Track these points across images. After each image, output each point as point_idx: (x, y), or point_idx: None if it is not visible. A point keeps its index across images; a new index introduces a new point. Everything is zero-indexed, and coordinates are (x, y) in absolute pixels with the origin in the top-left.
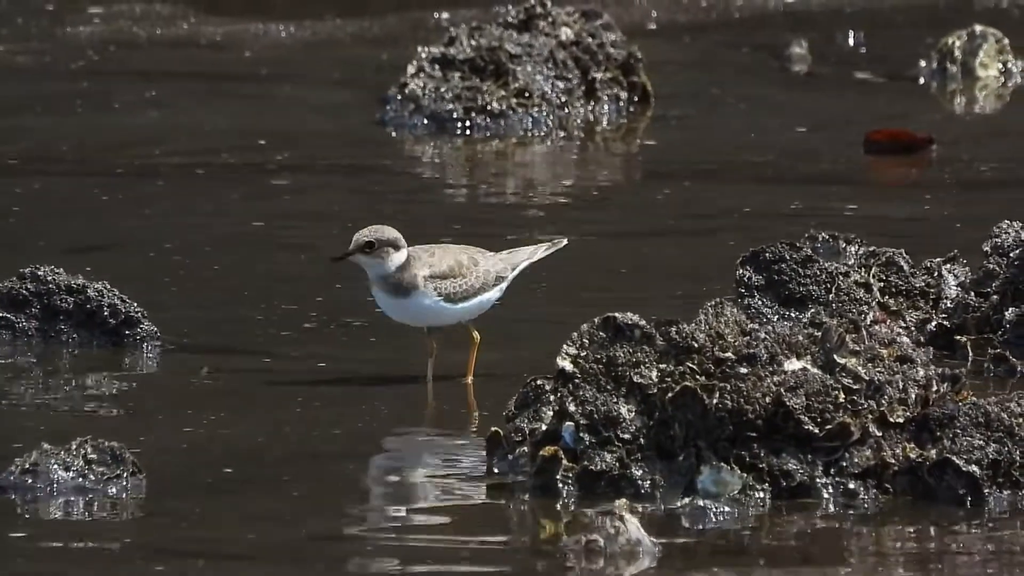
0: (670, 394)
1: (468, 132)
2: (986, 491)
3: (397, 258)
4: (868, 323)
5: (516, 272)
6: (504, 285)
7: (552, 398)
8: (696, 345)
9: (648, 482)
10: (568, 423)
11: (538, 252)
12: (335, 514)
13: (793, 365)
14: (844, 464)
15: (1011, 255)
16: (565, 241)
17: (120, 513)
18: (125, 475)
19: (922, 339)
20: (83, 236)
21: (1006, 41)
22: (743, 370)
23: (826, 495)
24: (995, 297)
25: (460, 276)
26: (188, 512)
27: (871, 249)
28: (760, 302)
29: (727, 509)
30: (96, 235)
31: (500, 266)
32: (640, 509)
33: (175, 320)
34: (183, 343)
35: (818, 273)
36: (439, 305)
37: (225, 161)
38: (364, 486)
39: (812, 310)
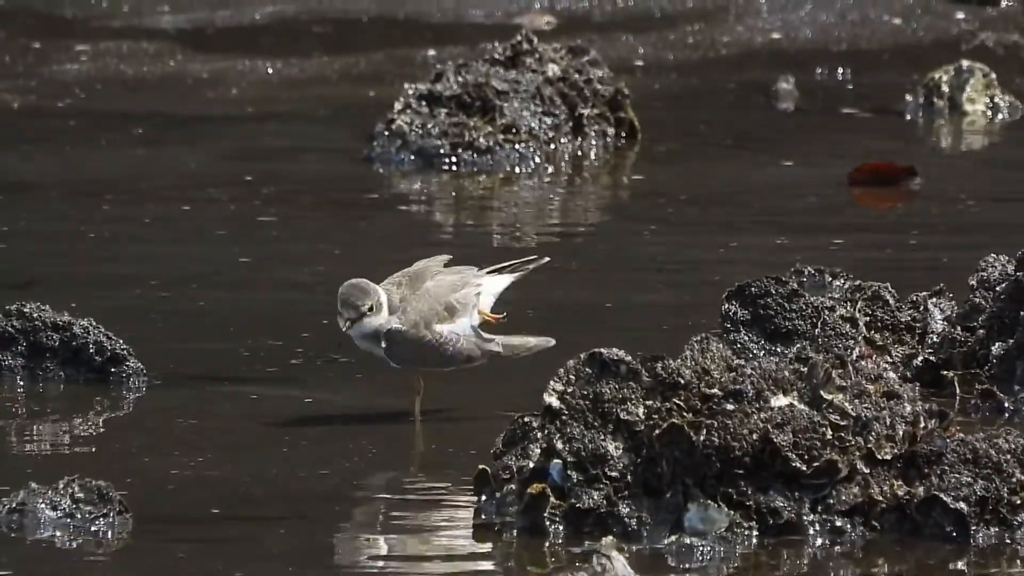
0: (657, 431)
1: (455, 168)
2: (973, 528)
3: (385, 310)
4: (854, 358)
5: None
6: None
7: (539, 435)
8: (682, 381)
9: (635, 520)
10: (556, 461)
11: (512, 273)
12: (322, 554)
13: (780, 401)
14: (831, 501)
15: (997, 289)
16: (544, 260)
17: (106, 552)
18: (112, 514)
19: (909, 374)
20: (69, 272)
21: (993, 76)
22: (730, 407)
23: (813, 532)
24: (982, 332)
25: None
26: (174, 551)
27: (857, 283)
28: (746, 337)
29: (714, 547)
30: (82, 271)
31: (474, 299)
32: (627, 547)
33: (161, 356)
34: (169, 379)
35: (804, 307)
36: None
37: (211, 197)
38: (351, 526)
39: (798, 345)
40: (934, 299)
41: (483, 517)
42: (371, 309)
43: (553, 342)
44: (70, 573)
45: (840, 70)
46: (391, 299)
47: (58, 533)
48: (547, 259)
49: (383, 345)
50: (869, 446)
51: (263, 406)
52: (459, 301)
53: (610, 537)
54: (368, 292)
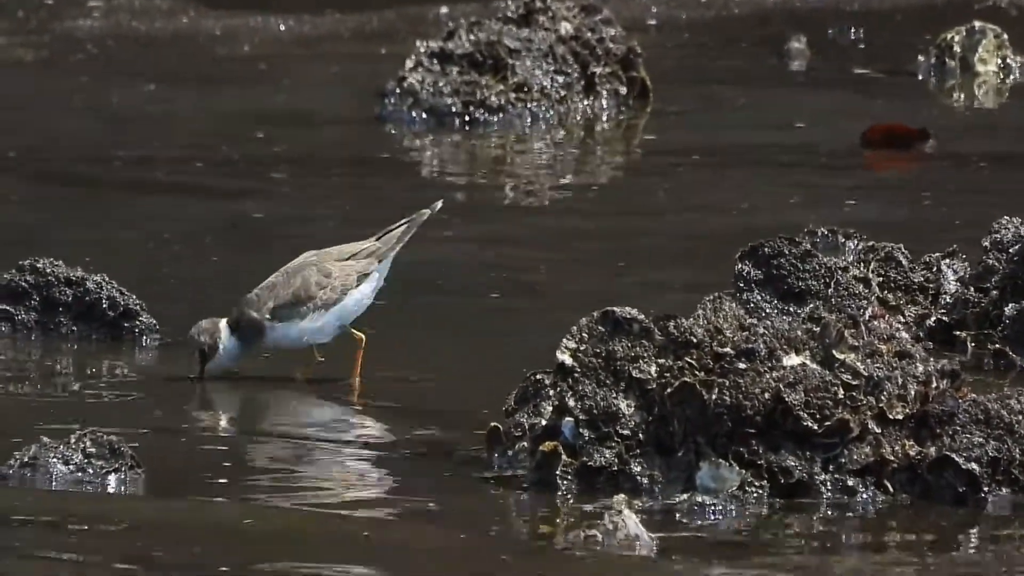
0: (669, 390)
1: (467, 126)
2: (985, 489)
3: (225, 339)
4: (867, 318)
5: (386, 260)
6: (373, 277)
7: (552, 392)
8: (695, 340)
9: (647, 478)
10: (568, 418)
11: (408, 231)
12: (334, 506)
13: (792, 361)
14: (843, 461)
15: (1010, 251)
16: (427, 213)
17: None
18: (124, 469)
19: (921, 335)
20: (81, 228)
21: (1005, 37)
22: (742, 365)
23: (824, 492)
24: (995, 292)
25: (307, 298)
26: (185, 505)
27: (870, 244)
28: (759, 297)
29: (725, 505)
30: (94, 226)
31: (361, 263)
32: (639, 505)
33: (174, 312)
34: (182, 335)
35: (817, 268)
36: (294, 330)
37: (224, 154)
38: (362, 479)
39: (811, 305)
40: (947, 260)
41: (495, 473)
42: (209, 347)
43: (427, 212)
44: (80, 526)
45: (852, 30)
46: (257, 294)
47: (69, 487)
48: (427, 213)
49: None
50: (881, 406)
51: (273, 363)
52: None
53: (622, 495)
54: (203, 333)
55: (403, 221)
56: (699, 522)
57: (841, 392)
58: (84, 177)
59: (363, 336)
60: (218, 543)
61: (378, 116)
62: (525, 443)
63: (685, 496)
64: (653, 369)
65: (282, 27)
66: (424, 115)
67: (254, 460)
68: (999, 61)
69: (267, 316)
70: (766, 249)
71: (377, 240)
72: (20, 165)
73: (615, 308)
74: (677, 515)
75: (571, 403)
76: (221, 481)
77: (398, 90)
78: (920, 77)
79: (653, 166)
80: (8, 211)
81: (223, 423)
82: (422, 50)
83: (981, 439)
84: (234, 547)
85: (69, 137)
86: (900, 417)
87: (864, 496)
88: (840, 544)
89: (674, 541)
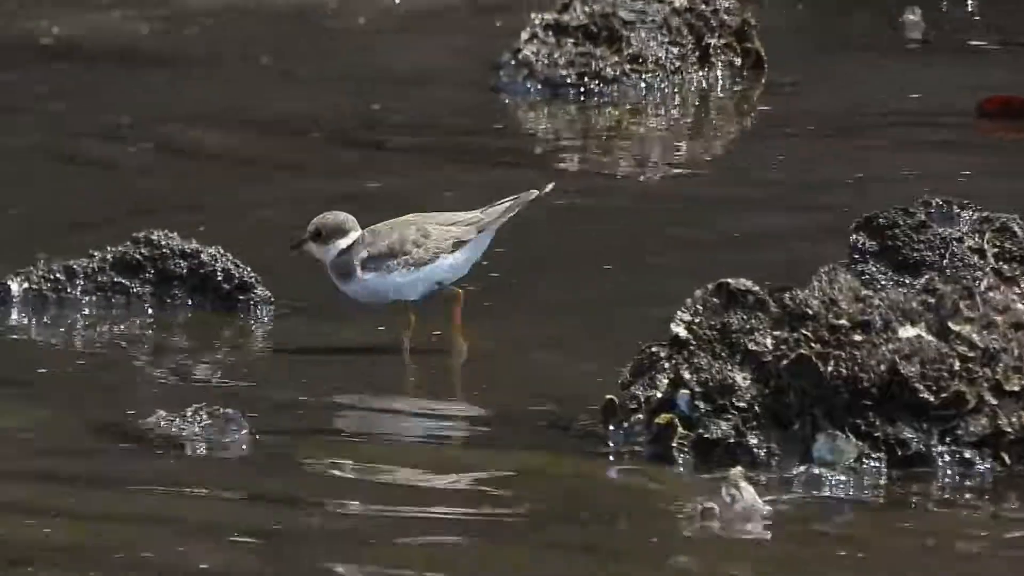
0: (785, 362)
1: (581, 98)
2: None
3: (342, 243)
4: (982, 289)
5: (486, 232)
6: (471, 248)
7: (667, 365)
8: (810, 312)
9: (763, 450)
10: (683, 391)
11: (512, 208)
12: (453, 471)
13: (908, 332)
14: (959, 433)
15: None
16: (535, 193)
17: (233, 476)
18: (240, 440)
19: None
20: (196, 199)
21: None
22: (857, 337)
23: (942, 464)
24: None
25: (402, 253)
26: (300, 474)
27: (985, 215)
28: (874, 268)
29: (842, 477)
30: (209, 198)
31: (460, 230)
32: (755, 477)
33: (288, 284)
34: (297, 307)
35: (932, 239)
36: (382, 283)
37: (339, 125)
38: (478, 448)
39: (926, 276)
40: None
41: (611, 447)
42: (330, 234)
43: (535, 192)
44: (198, 498)
45: (968, 1)
46: (364, 235)
47: (186, 457)
48: (535, 194)
49: (359, 273)
50: (997, 377)
51: (390, 335)
52: (443, 221)
53: (739, 467)
54: (330, 219)
55: (510, 198)
56: (816, 494)
57: (957, 364)
58: (199, 147)
59: (460, 292)
60: (334, 512)
61: (493, 88)
62: (641, 416)
63: (802, 468)
64: (769, 341)
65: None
66: (539, 86)
67: (366, 430)
68: None
69: (358, 263)
70: (881, 220)
71: (482, 212)
72: (136, 135)
73: (730, 280)
74: (794, 487)
75: (686, 375)
76: (336, 450)
77: (513, 62)
78: None
79: (767, 137)
80: (124, 181)
81: (336, 394)
82: (537, 22)
83: None
84: (351, 516)
85: (184, 107)
86: (1016, 389)
87: (981, 467)
88: (957, 515)
89: (790, 513)
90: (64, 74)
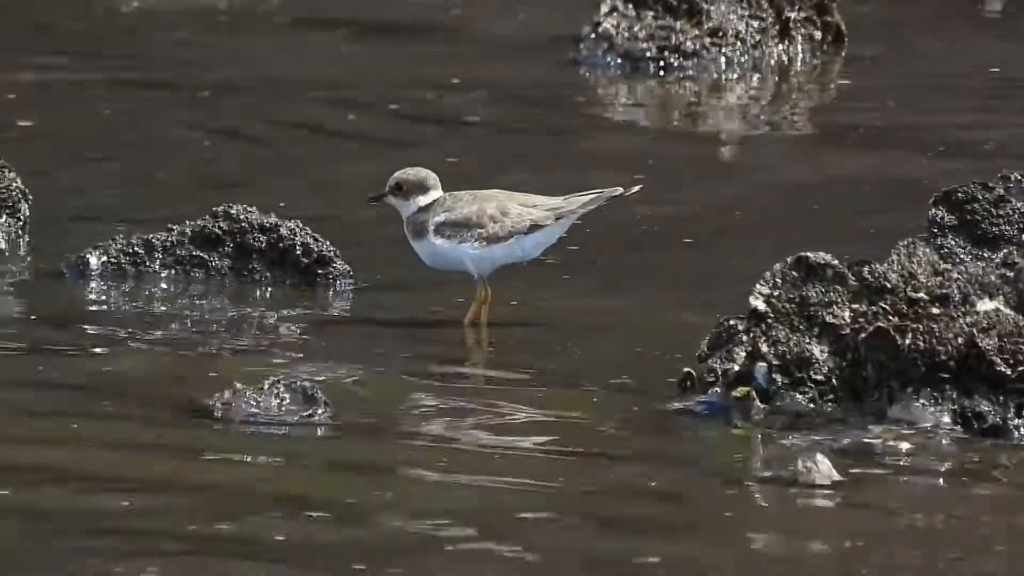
0: (863, 335)
1: (661, 71)
2: None
3: (422, 200)
4: None
5: (564, 220)
6: (546, 232)
7: (745, 338)
8: (888, 285)
9: (840, 422)
10: (761, 364)
11: (594, 201)
12: (527, 441)
13: (985, 306)
14: None
15: None
16: (620, 191)
17: (311, 450)
18: (317, 414)
19: None
20: (275, 173)
21: None
22: (935, 311)
23: (1017, 436)
24: None
25: (477, 226)
26: (377, 448)
27: None
28: (952, 242)
29: (918, 448)
30: (288, 172)
31: (539, 214)
32: (832, 445)
33: (367, 258)
34: (375, 281)
35: (1011, 213)
36: (453, 251)
37: (418, 98)
38: (556, 419)
39: (1004, 250)
40: None
41: (688, 417)
42: (411, 188)
43: (620, 190)
44: (275, 470)
45: None
46: (444, 198)
47: (263, 432)
48: (620, 190)
49: (431, 235)
50: None
51: (468, 307)
52: (523, 202)
53: (815, 439)
54: (412, 173)
55: (594, 191)
56: (890, 460)
57: None
58: (279, 121)
59: (489, 293)
60: (412, 484)
61: (572, 61)
62: (718, 389)
63: (879, 440)
64: (847, 314)
65: None
66: (618, 60)
67: (444, 403)
68: None
69: (433, 226)
70: (960, 194)
71: (563, 200)
72: (213, 107)
73: (809, 253)
74: (871, 457)
75: (764, 348)
76: (415, 423)
77: (593, 35)
78: None
79: (847, 111)
80: (200, 154)
81: (414, 365)
82: None
83: None
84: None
85: (262, 81)
86: None
87: None
88: None
89: (866, 481)
90: (142, 45)
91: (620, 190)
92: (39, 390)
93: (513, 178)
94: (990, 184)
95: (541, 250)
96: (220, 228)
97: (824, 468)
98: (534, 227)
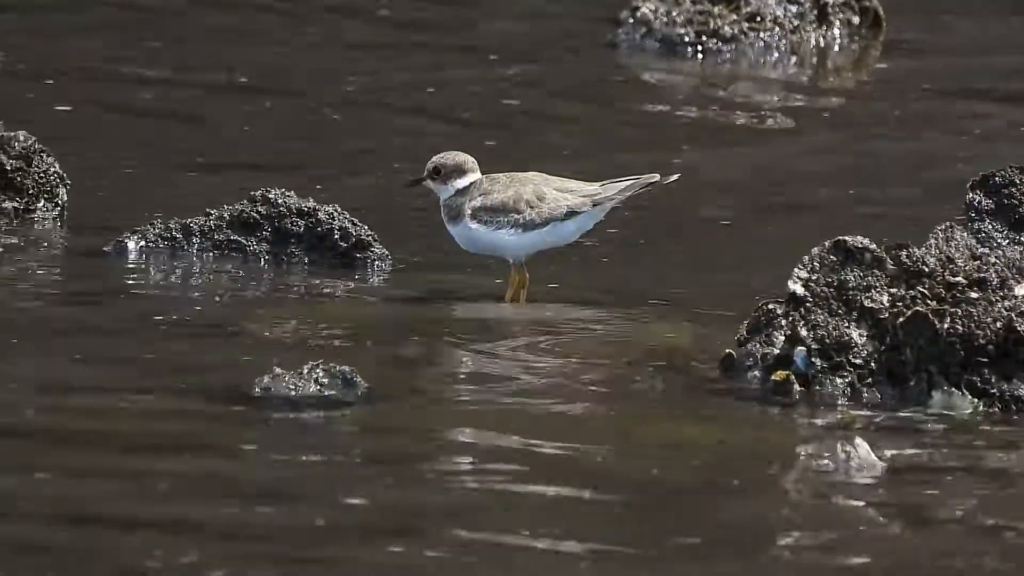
0: (901, 319)
1: (699, 56)
2: None
3: (459, 183)
4: None
5: (601, 207)
6: (583, 220)
7: (784, 322)
8: (927, 269)
9: (879, 406)
10: (800, 348)
11: (631, 188)
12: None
13: (1023, 290)
14: None
15: None
16: (656, 178)
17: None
18: (357, 399)
19: None
20: (313, 158)
21: None
22: (974, 295)
23: None
24: None
25: (514, 211)
26: (415, 430)
27: None
28: (990, 226)
29: (957, 431)
30: (326, 157)
31: (576, 200)
32: (871, 432)
33: (405, 242)
34: (413, 265)
35: None
36: (489, 236)
37: (457, 80)
38: (594, 400)
39: None
40: None
41: (727, 400)
42: (449, 172)
43: (656, 177)
44: (313, 454)
45: None
46: (482, 182)
47: (303, 415)
48: (656, 177)
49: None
50: None
51: (505, 289)
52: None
53: (855, 423)
54: (450, 158)
55: (631, 178)
56: (929, 442)
57: None
58: (316, 106)
59: (527, 279)
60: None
61: (611, 43)
62: (757, 372)
63: (919, 424)
64: (885, 298)
65: None
66: (657, 44)
67: (482, 385)
68: None
69: (469, 210)
70: (997, 178)
71: (600, 187)
72: (252, 92)
73: (847, 237)
74: (910, 441)
75: (803, 332)
76: (453, 406)
77: (631, 19)
78: None
79: (884, 96)
80: (238, 137)
81: (452, 348)
82: None
83: None
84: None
85: (302, 67)
86: None
87: None
88: None
89: (905, 467)
90: (182, 29)
91: (656, 177)
92: (80, 366)
93: (551, 162)
94: None
95: (577, 236)
96: (258, 212)
97: (863, 452)
98: (571, 214)
